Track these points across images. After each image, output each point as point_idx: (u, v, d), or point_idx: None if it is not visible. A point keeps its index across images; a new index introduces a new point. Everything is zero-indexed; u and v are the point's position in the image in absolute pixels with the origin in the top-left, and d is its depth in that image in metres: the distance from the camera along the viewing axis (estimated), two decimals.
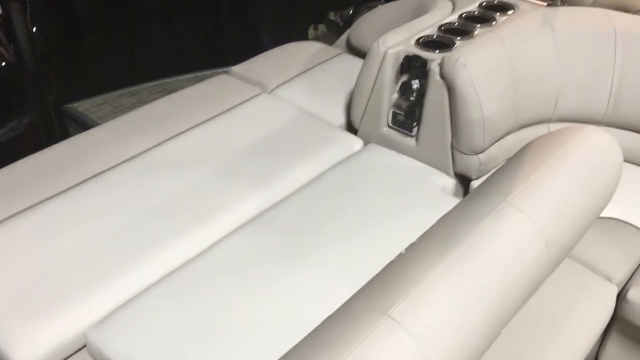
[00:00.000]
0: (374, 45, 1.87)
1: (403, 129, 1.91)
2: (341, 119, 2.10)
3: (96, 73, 2.90)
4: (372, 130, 1.99)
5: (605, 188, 1.18)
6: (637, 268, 1.62)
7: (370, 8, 2.79)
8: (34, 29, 2.18)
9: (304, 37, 3.46)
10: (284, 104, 2.12)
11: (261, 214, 1.64)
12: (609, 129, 1.90)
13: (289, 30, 3.36)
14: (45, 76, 2.30)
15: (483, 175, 1.83)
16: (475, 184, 1.83)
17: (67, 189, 1.69)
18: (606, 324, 1.51)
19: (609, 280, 1.55)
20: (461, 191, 1.89)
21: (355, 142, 1.96)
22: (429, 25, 1.96)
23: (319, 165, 1.83)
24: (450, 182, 1.82)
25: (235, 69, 2.35)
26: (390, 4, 2.50)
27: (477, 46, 1.74)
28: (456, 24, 1.95)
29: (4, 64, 2.23)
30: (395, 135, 1.94)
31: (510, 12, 2.02)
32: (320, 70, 2.33)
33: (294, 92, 2.21)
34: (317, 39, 3.44)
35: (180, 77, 3.11)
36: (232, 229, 1.59)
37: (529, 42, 1.82)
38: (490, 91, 1.70)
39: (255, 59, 2.42)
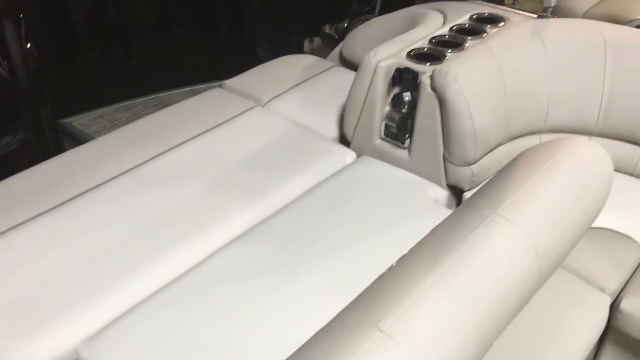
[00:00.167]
0: (366, 58, 1.88)
1: (395, 141, 1.92)
2: (334, 132, 2.11)
3: (92, 87, 2.90)
4: (365, 142, 1.99)
5: (596, 198, 1.18)
6: (630, 278, 1.62)
7: (364, 21, 2.80)
8: (28, 45, 2.19)
9: (299, 50, 3.47)
10: (277, 116, 2.13)
11: (255, 226, 1.64)
12: (600, 139, 1.91)
13: (285, 44, 3.37)
14: (39, 91, 2.31)
15: (475, 186, 1.83)
16: (467, 195, 1.83)
17: (61, 203, 1.69)
18: (600, 334, 1.50)
19: (602, 290, 1.55)
20: (454, 202, 1.90)
21: (348, 155, 1.97)
22: (420, 37, 1.98)
23: (313, 178, 1.84)
24: (443, 194, 1.82)
25: (229, 82, 2.36)
26: (382, 17, 2.51)
27: (467, 58, 1.75)
28: (447, 37, 1.97)
29: None
30: (387, 147, 1.95)
31: (501, 25, 2.03)
32: (314, 83, 2.34)
33: (287, 105, 2.22)
34: (312, 51, 3.46)
35: (175, 91, 3.12)
36: (227, 242, 1.59)
37: (520, 53, 1.84)
38: (481, 103, 1.71)
39: (249, 73, 2.43)
